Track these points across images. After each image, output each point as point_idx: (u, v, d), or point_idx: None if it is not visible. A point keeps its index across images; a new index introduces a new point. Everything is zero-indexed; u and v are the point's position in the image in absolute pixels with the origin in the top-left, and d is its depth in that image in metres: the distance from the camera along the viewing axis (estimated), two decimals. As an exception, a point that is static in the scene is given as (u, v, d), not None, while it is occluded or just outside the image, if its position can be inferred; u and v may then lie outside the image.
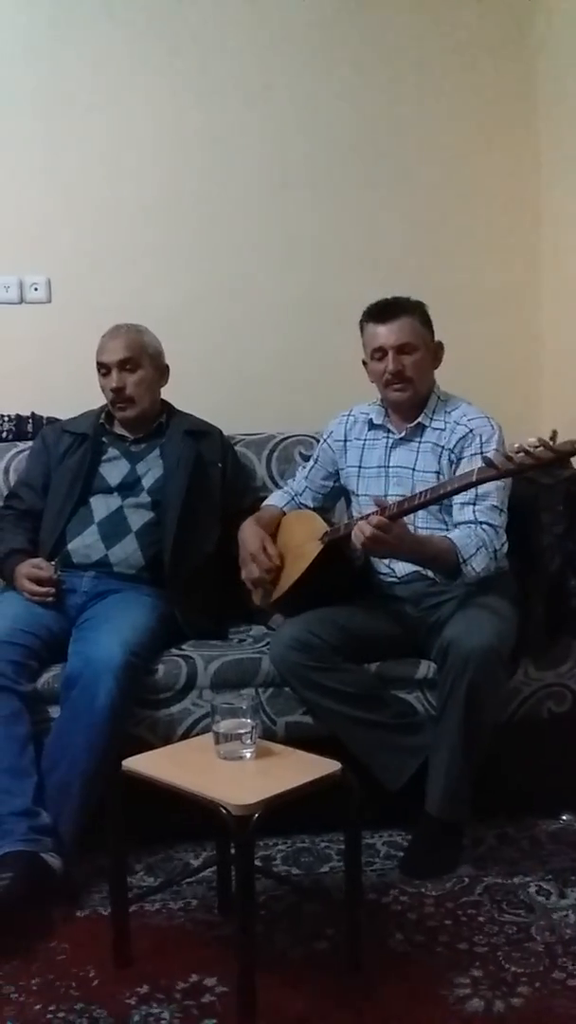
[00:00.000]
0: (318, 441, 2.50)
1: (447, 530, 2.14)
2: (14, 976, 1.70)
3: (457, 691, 1.96)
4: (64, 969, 1.72)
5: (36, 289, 2.82)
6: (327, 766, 1.67)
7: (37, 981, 1.69)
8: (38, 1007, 1.62)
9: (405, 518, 2.05)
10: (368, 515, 1.98)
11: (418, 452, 2.24)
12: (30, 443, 2.60)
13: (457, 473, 2.12)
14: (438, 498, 2.00)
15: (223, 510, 2.46)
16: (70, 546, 2.34)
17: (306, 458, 2.59)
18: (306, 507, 2.44)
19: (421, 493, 2.02)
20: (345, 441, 2.37)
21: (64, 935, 1.82)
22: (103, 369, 2.42)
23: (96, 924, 1.84)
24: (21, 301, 2.82)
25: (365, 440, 2.33)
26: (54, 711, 2.09)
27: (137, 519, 2.37)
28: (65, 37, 2.76)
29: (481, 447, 2.15)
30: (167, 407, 2.54)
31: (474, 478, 1.92)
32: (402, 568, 2.23)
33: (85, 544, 2.34)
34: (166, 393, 2.53)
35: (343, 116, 2.90)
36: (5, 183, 2.78)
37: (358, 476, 2.32)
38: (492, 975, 1.68)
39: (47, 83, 2.77)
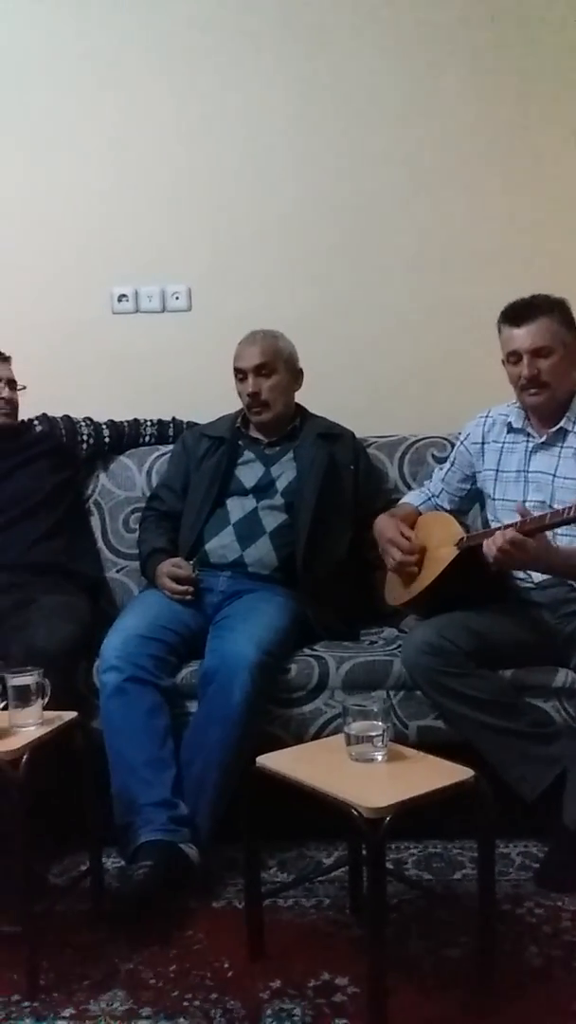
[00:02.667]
0: (451, 444, 2.47)
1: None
2: (152, 962, 1.76)
3: (598, 703, 1.90)
4: (200, 958, 1.77)
5: (177, 298, 2.91)
6: (460, 773, 1.65)
7: (174, 968, 1.74)
8: (175, 994, 1.68)
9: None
10: (506, 526, 1.92)
11: (559, 457, 2.17)
12: (171, 447, 2.69)
13: None
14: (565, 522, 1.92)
15: (355, 512, 2.47)
16: (207, 546, 2.41)
17: (439, 460, 2.56)
18: (443, 509, 2.41)
19: (556, 512, 1.93)
20: (483, 444, 2.32)
21: (200, 925, 1.87)
22: (240, 374, 2.48)
23: (231, 916, 1.88)
24: (163, 310, 2.92)
25: (503, 443, 2.28)
26: (192, 706, 2.15)
27: (271, 521, 2.41)
28: (200, 53, 2.83)
29: None
30: (301, 410, 2.57)
31: None
32: (539, 574, 2.17)
33: (222, 544, 2.40)
34: (300, 396, 2.56)
35: (475, 117, 2.84)
36: (149, 200, 2.88)
37: (495, 480, 2.28)
38: (632, 996, 1.62)
39: (185, 104, 2.85)
